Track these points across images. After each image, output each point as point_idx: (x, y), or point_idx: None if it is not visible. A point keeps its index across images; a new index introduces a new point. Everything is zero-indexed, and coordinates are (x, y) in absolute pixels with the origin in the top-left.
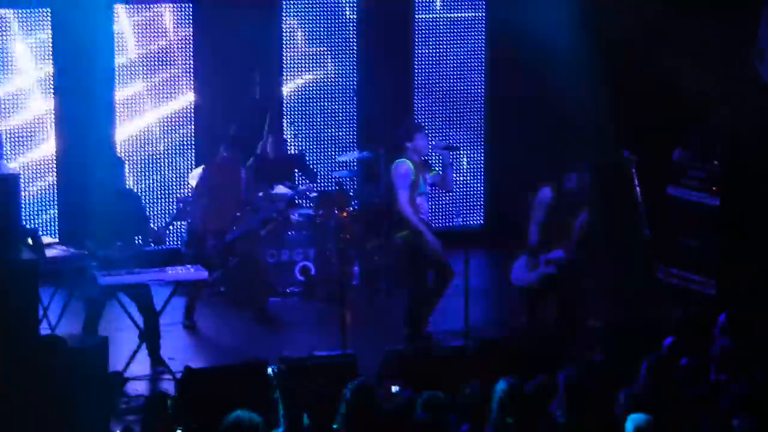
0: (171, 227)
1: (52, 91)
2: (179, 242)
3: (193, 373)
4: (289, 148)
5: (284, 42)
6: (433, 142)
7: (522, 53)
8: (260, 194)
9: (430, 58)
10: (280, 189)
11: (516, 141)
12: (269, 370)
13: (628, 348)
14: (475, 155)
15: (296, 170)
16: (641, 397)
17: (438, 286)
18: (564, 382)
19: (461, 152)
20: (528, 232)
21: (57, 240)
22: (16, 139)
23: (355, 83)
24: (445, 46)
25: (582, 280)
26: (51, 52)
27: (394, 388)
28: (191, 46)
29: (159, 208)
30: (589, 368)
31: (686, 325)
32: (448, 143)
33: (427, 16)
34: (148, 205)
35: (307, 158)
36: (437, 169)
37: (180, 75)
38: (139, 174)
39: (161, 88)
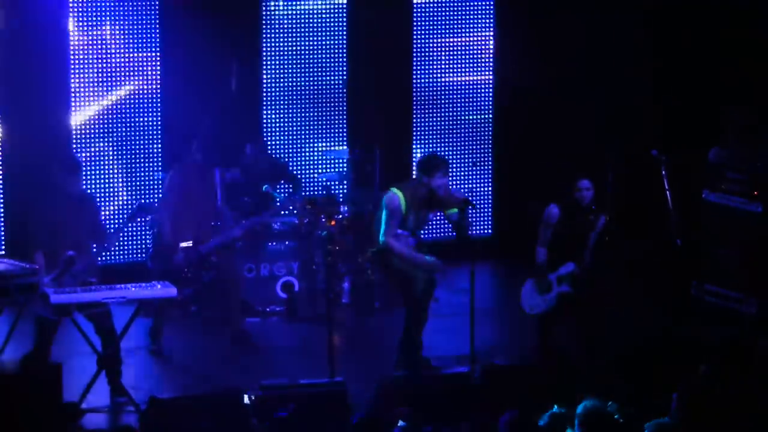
0: (125, 230)
1: None
2: (144, 255)
3: (159, 403)
4: (271, 151)
5: (264, 27)
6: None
7: (532, 57)
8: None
9: (429, 56)
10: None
11: (526, 147)
12: (246, 399)
13: (657, 375)
14: (483, 161)
15: (281, 179)
16: (672, 430)
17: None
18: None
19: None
20: (535, 251)
21: (2, 252)
22: None
23: (344, 74)
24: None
25: (601, 293)
26: None
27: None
28: (157, 29)
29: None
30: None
31: (724, 349)
32: (465, 197)
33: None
34: (104, 209)
35: (291, 165)
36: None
37: (144, 61)
38: (94, 172)
39: (124, 76)
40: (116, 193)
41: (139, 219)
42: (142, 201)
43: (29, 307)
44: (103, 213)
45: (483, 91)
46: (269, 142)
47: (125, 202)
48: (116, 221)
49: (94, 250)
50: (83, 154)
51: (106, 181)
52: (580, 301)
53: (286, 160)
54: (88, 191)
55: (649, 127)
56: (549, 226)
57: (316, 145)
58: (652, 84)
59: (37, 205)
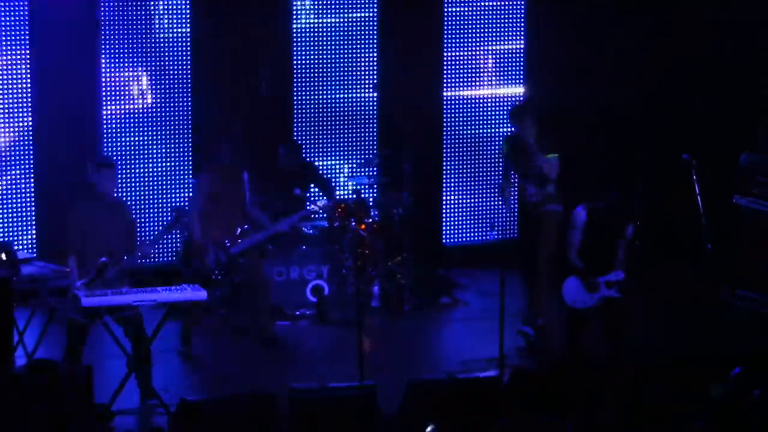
0: (162, 240)
1: (28, 78)
2: (174, 257)
3: (189, 406)
4: (305, 155)
5: (294, 34)
6: None
7: (564, 58)
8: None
9: (458, 66)
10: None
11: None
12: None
13: (689, 381)
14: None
15: (311, 183)
16: None
17: None
18: None
19: None
20: (568, 256)
21: (34, 255)
22: None
23: (374, 78)
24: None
25: (631, 302)
26: (28, 36)
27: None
28: (189, 35)
29: (149, 219)
30: None
31: (757, 354)
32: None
33: (455, 10)
34: (137, 216)
35: (321, 168)
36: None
37: (175, 66)
38: (127, 179)
39: (154, 80)
40: (147, 197)
41: (176, 231)
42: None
43: (61, 309)
44: (136, 218)
45: (512, 95)
46: (303, 144)
47: (156, 206)
48: (148, 226)
49: (127, 258)
50: (115, 156)
51: (137, 184)
52: (619, 307)
53: (315, 163)
54: (122, 197)
55: (680, 131)
56: (578, 229)
57: (345, 153)
58: (684, 88)
59: (70, 209)
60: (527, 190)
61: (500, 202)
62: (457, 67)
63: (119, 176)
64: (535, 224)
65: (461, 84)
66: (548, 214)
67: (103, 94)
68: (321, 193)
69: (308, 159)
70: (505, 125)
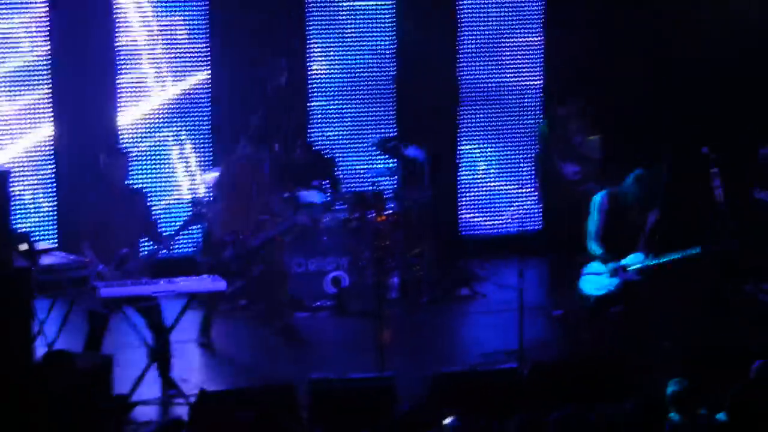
0: (183, 233)
1: (48, 73)
2: (194, 249)
3: (208, 396)
4: (319, 147)
5: (310, 22)
6: None
7: (582, 47)
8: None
9: (476, 49)
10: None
11: None
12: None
13: (710, 374)
14: (531, 153)
15: (322, 176)
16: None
17: None
18: None
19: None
20: (587, 244)
21: (54, 245)
22: (7, 128)
23: (394, 69)
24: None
25: (653, 292)
26: (48, 31)
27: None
28: (207, 23)
29: (169, 210)
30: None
31: None
32: None
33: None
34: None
35: (340, 161)
36: None
37: (193, 56)
38: (145, 170)
39: (171, 72)
40: (167, 190)
41: (196, 225)
42: (196, 204)
43: (81, 300)
44: (155, 210)
45: (532, 85)
46: (319, 136)
47: (176, 199)
48: (168, 219)
49: (148, 248)
50: (133, 149)
51: (157, 177)
52: (639, 293)
53: (334, 156)
54: (139, 186)
55: (700, 124)
56: (599, 214)
57: (365, 141)
58: (705, 82)
59: (86, 198)
60: (567, 169)
61: (529, 187)
62: (475, 48)
63: (132, 166)
64: (576, 204)
65: (479, 66)
66: (589, 193)
67: (121, 85)
68: (329, 187)
69: (325, 151)
70: (524, 110)
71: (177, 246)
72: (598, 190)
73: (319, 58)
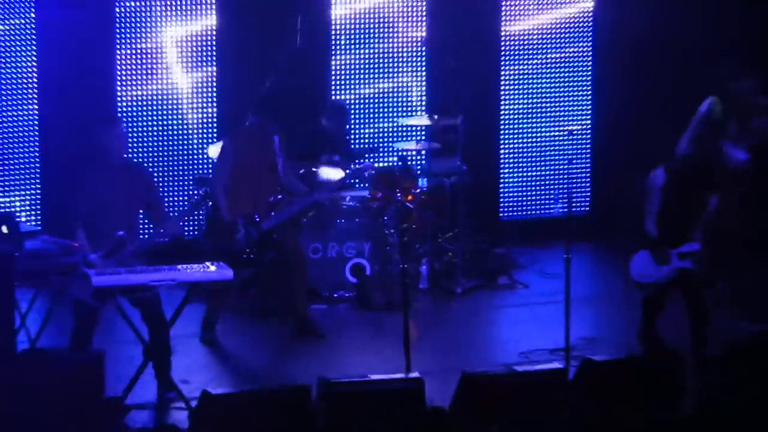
0: (189, 216)
1: (34, 36)
2: (197, 233)
3: (212, 400)
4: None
5: None
6: None
7: (632, 30)
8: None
9: (519, 5)
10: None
11: (630, 110)
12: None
13: None
14: (582, 137)
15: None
16: None
17: None
18: None
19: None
20: (645, 224)
21: (39, 228)
22: None
23: (424, 29)
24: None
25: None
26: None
27: None
28: None
29: (171, 191)
30: None
31: None
32: None
33: None
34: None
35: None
36: None
37: (197, 12)
38: (143, 145)
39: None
40: (168, 168)
41: (203, 206)
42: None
43: (68, 290)
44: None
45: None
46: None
47: (178, 178)
48: (172, 202)
49: (152, 231)
50: (131, 126)
51: (156, 154)
52: (698, 283)
53: (357, 130)
54: (139, 161)
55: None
56: (656, 193)
57: (391, 111)
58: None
59: (78, 175)
60: (738, 156)
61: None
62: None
63: (129, 138)
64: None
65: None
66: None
67: (117, 49)
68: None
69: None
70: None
71: (183, 230)
72: None
73: (342, 22)
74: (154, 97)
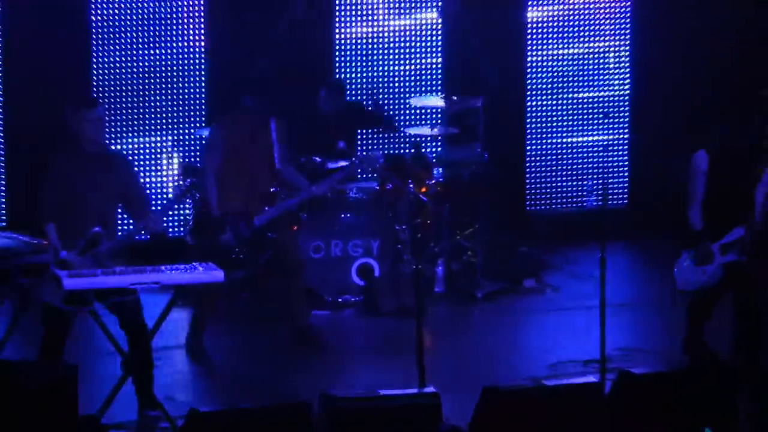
0: (173, 211)
1: None
2: (183, 230)
3: (200, 419)
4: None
5: None
6: None
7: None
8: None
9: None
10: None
11: (671, 94)
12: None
13: None
14: (619, 122)
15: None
16: None
17: None
18: None
19: None
20: (688, 214)
21: (3, 224)
22: None
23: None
24: None
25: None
26: None
27: None
28: None
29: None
30: None
31: None
32: None
33: None
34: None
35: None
36: None
37: None
38: (123, 132)
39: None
40: (153, 158)
41: (190, 199)
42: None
43: (36, 293)
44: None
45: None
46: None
47: (164, 169)
48: (158, 196)
49: (132, 228)
50: (110, 112)
51: (140, 143)
52: (749, 275)
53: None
54: (118, 149)
55: None
56: (699, 177)
57: (404, 94)
58: None
59: (48, 165)
60: None
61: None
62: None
63: (107, 122)
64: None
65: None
66: None
67: (93, 24)
68: (381, 132)
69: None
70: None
71: (166, 226)
72: None
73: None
74: (135, 75)
